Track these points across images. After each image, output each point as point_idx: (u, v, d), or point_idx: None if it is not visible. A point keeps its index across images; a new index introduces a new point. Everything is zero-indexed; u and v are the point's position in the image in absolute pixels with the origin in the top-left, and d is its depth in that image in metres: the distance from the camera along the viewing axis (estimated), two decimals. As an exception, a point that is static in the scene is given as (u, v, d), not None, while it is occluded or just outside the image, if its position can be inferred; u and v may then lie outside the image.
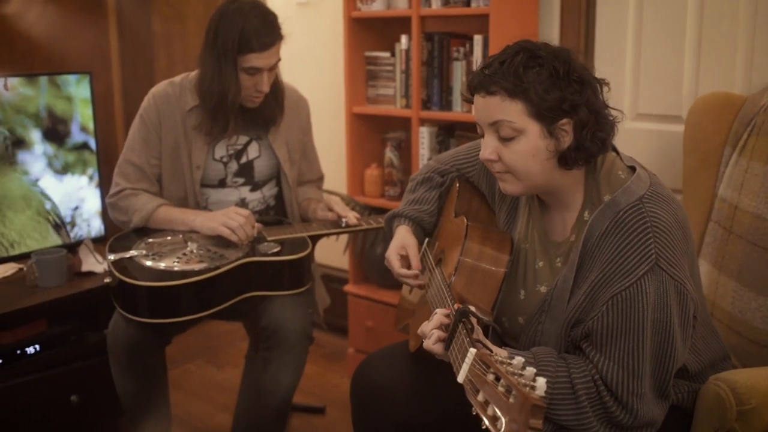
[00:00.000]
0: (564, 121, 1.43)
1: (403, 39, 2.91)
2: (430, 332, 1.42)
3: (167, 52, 3.68)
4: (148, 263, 2.09)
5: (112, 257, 2.12)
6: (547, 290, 1.52)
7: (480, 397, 1.09)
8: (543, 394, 1.01)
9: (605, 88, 1.50)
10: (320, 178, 2.63)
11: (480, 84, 1.47)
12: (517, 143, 1.45)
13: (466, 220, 1.66)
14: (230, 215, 2.18)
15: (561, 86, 1.42)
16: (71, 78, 2.67)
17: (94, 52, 3.50)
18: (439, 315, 1.44)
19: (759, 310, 1.91)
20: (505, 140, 1.46)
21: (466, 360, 1.20)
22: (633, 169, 1.52)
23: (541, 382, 1.03)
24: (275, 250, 2.16)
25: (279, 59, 2.25)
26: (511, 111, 1.43)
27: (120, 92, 3.62)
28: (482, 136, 1.51)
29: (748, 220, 1.98)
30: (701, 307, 1.55)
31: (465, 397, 1.17)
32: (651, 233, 1.39)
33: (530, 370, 1.06)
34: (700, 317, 1.54)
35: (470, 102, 1.54)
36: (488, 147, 1.49)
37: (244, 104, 2.28)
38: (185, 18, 3.57)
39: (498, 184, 1.59)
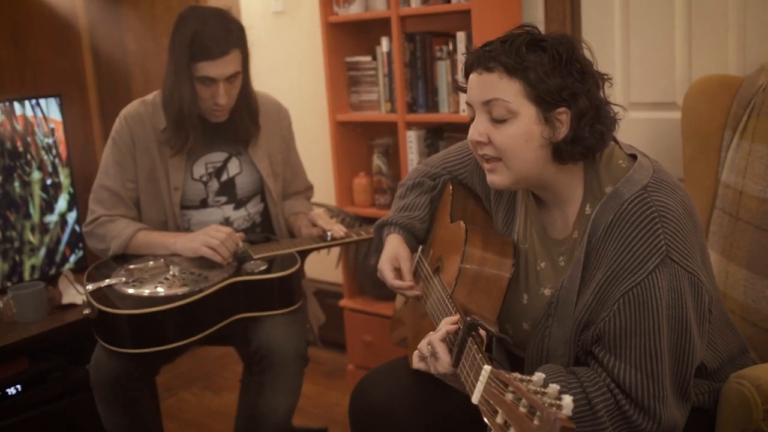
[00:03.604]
0: (561, 109, 1.36)
1: (384, 41, 2.83)
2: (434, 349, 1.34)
3: (143, 70, 3.61)
4: (129, 291, 1.99)
5: (90, 287, 2.01)
6: (552, 292, 1.43)
7: (499, 419, 1.00)
8: (570, 413, 0.92)
9: (607, 84, 1.42)
10: (308, 188, 2.54)
11: (478, 60, 1.39)
12: (510, 126, 1.37)
13: (464, 225, 1.57)
14: (210, 233, 2.09)
15: (562, 73, 1.35)
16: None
17: (69, 74, 3.42)
18: (446, 326, 1.36)
19: (774, 299, 1.83)
20: (496, 122, 1.38)
21: (481, 378, 1.12)
22: (634, 157, 1.44)
23: (568, 400, 0.94)
24: (262, 268, 2.07)
25: (238, 71, 2.13)
26: (508, 90, 1.35)
27: (98, 114, 3.54)
28: (472, 119, 1.42)
29: (754, 204, 1.91)
30: (716, 299, 1.47)
31: (471, 415, 1.08)
32: (659, 223, 1.31)
33: (554, 387, 0.97)
34: (716, 310, 1.46)
35: (463, 90, 1.46)
36: (478, 128, 1.40)
37: (207, 118, 2.18)
38: (158, 35, 3.50)
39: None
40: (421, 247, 1.83)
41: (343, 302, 3.11)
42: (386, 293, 2.86)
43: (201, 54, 2.05)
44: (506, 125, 1.37)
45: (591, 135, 1.37)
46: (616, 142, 1.49)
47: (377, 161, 2.99)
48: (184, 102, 2.10)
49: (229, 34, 2.08)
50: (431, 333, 1.38)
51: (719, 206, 2.05)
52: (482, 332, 1.27)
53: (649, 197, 1.34)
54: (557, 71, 1.35)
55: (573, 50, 1.37)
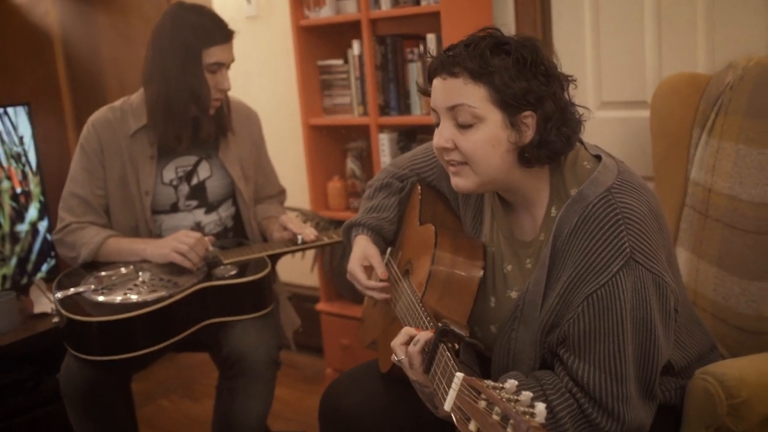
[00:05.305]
0: (527, 113, 1.35)
1: (355, 44, 2.82)
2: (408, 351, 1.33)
3: (117, 77, 3.58)
4: (100, 298, 1.97)
5: (59, 295, 1.99)
6: (519, 295, 1.43)
7: (472, 427, 1.00)
8: (543, 420, 0.92)
9: (572, 86, 1.41)
10: (281, 192, 2.53)
11: (442, 65, 1.38)
12: (476, 131, 1.36)
13: (434, 228, 1.56)
14: (180, 239, 2.08)
15: (527, 76, 1.34)
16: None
17: (42, 83, 3.40)
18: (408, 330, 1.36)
19: (743, 295, 1.84)
20: (462, 127, 1.37)
21: (453, 385, 1.11)
22: (599, 158, 1.43)
23: (541, 407, 0.93)
24: (232, 272, 2.07)
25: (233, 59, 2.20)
26: (473, 95, 1.34)
27: (72, 122, 3.52)
28: (437, 124, 1.41)
29: (723, 202, 1.92)
30: (682, 299, 1.47)
31: (442, 419, 1.07)
32: (623, 225, 1.30)
33: (526, 395, 0.96)
34: (682, 309, 1.46)
35: (426, 94, 1.45)
36: (444, 134, 1.39)
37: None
38: (132, 42, 3.48)
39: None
40: (390, 249, 1.82)
41: (320, 306, 3.10)
42: (362, 296, 2.85)
43: (212, 39, 2.10)
44: (472, 131, 1.36)
45: (557, 138, 1.36)
46: (582, 143, 1.48)
47: (351, 165, 2.98)
48: (202, 90, 2.12)
49: (224, 21, 2.16)
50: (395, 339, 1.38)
51: (689, 204, 2.05)
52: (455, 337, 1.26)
53: (613, 199, 1.33)
54: (522, 75, 1.33)
55: (537, 53, 1.36)
